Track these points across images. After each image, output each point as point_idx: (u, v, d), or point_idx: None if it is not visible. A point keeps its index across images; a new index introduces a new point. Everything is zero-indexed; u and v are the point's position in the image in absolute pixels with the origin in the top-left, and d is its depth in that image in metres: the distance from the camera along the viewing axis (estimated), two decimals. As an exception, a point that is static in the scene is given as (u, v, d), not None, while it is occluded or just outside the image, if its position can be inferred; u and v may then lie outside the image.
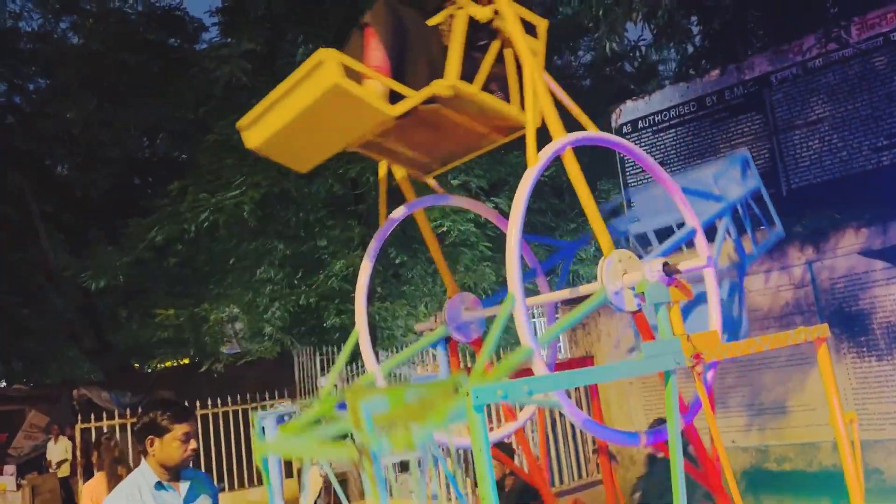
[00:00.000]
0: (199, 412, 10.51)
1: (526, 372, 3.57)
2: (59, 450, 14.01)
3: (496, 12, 3.12)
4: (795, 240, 6.65)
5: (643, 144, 7.73)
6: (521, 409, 4.22)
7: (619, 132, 7.95)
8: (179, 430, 3.08)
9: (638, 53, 12.53)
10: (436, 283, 11.17)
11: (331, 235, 10.88)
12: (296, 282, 11.07)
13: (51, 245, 14.25)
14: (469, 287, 10.94)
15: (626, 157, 7.96)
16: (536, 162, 2.88)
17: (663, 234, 4.40)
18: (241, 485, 11.04)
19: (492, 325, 2.83)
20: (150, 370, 17.58)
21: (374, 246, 3.63)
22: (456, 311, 3.78)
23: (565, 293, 3.51)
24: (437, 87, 2.85)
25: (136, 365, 17.67)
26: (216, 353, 12.34)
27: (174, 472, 3.13)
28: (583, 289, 3.29)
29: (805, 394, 6.38)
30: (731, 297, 3.56)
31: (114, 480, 6.13)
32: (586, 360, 4.80)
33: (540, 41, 3.26)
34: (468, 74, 2.96)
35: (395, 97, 2.83)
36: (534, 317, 12.09)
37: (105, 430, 9.30)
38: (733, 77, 7.33)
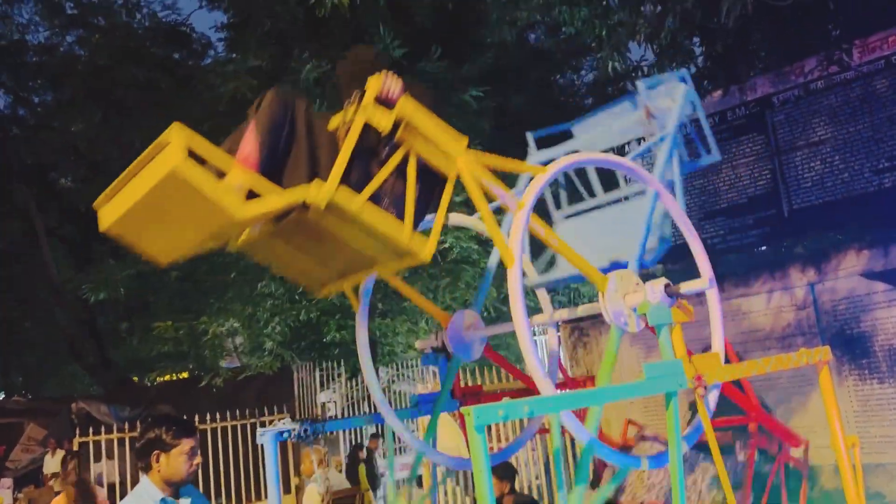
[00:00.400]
0: (198, 427, 10.43)
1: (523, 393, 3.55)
2: (55, 463, 13.93)
3: (401, 120, 2.70)
4: (797, 261, 6.66)
5: (646, 165, 7.75)
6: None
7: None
8: (186, 444, 3.07)
9: (640, 73, 12.58)
10: (437, 299, 11.16)
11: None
12: (297, 296, 11.06)
13: (53, 258, 14.27)
14: (470, 305, 10.92)
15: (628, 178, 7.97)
16: (512, 259, 2.64)
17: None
18: (240, 500, 10.99)
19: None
20: (149, 384, 17.54)
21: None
22: (457, 328, 3.78)
23: (564, 313, 3.52)
24: (308, 193, 2.45)
25: (136, 379, 17.64)
26: (216, 368, 12.31)
27: (176, 488, 3.12)
28: (581, 309, 3.29)
29: (806, 416, 6.35)
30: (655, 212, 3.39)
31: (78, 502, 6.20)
32: (588, 381, 4.79)
33: (461, 146, 2.81)
34: (362, 186, 2.62)
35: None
36: (535, 334, 12.07)
37: (70, 456, 9.28)
38: (735, 98, 7.36)
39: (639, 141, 4.21)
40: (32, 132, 14.66)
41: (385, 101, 2.76)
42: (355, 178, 2.62)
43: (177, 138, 2.29)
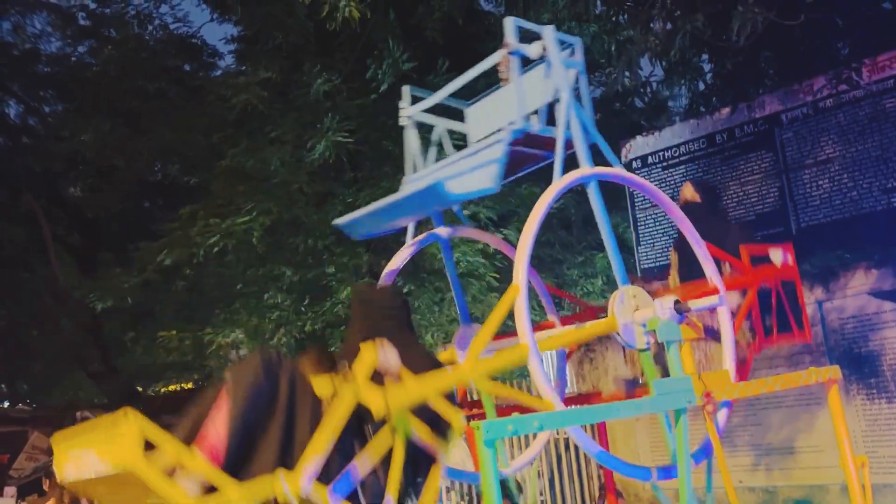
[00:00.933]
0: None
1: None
2: (59, 472, 13.92)
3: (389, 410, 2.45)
4: (805, 279, 6.63)
5: (653, 180, 7.76)
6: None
7: (628, 167, 7.99)
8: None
9: (648, 89, 12.62)
10: (443, 312, 11.14)
11: (339, 263, 10.90)
12: (303, 308, 11.06)
13: (60, 267, 14.30)
14: (478, 318, 10.91)
15: (635, 192, 7.99)
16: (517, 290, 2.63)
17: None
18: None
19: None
20: (153, 394, 17.53)
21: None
22: (465, 341, 3.79)
23: (572, 328, 3.51)
24: (274, 490, 2.27)
25: (140, 389, 17.62)
26: (220, 379, 12.27)
27: None
28: (590, 324, 3.29)
29: (813, 435, 6.31)
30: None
31: None
32: (594, 396, 4.78)
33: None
34: (347, 456, 2.41)
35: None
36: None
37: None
38: (744, 115, 7.37)
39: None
40: (42, 141, 14.72)
41: (380, 374, 2.58)
42: (334, 460, 2.41)
43: (130, 429, 2.18)
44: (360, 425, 2.55)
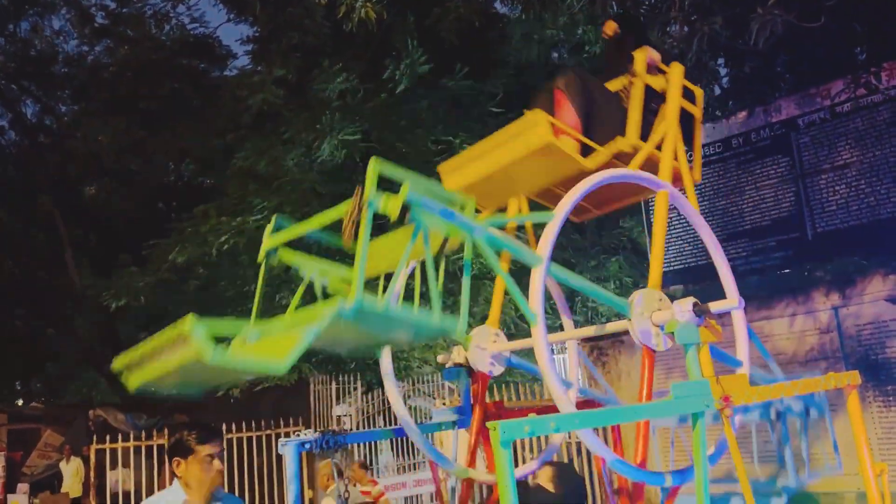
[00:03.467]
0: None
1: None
2: (70, 470, 14.02)
3: (667, 80, 3.63)
4: (821, 285, 6.58)
5: (668, 184, 7.72)
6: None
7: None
8: (203, 451, 3.06)
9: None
10: (454, 314, 11.13)
11: (349, 263, 10.92)
12: (315, 309, 11.09)
13: (77, 268, 14.41)
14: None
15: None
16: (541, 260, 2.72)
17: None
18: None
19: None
20: (167, 393, 17.57)
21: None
22: (480, 343, 3.77)
23: (591, 330, 3.50)
24: (623, 144, 3.34)
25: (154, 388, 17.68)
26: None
27: (207, 495, 3.09)
28: (610, 326, 3.27)
29: (828, 442, 6.25)
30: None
31: None
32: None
33: (698, 106, 3.82)
34: (645, 132, 3.46)
35: (583, 151, 3.31)
36: (556, 353, 12.00)
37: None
38: (760, 119, 7.32)
39: None
40: (58, 141, 14.85)
41: (649, 69, 3.63)
42: (645, 123, 3.48)
43: (543, 120, 3.20)
44: (648, 105, 3.62)
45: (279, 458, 3.38)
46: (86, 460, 12.61)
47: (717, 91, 8.47)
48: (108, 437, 10.35)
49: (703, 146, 7.68)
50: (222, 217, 9.66)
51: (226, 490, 3.25)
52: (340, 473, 6.66)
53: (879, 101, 6.51)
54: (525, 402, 8.51)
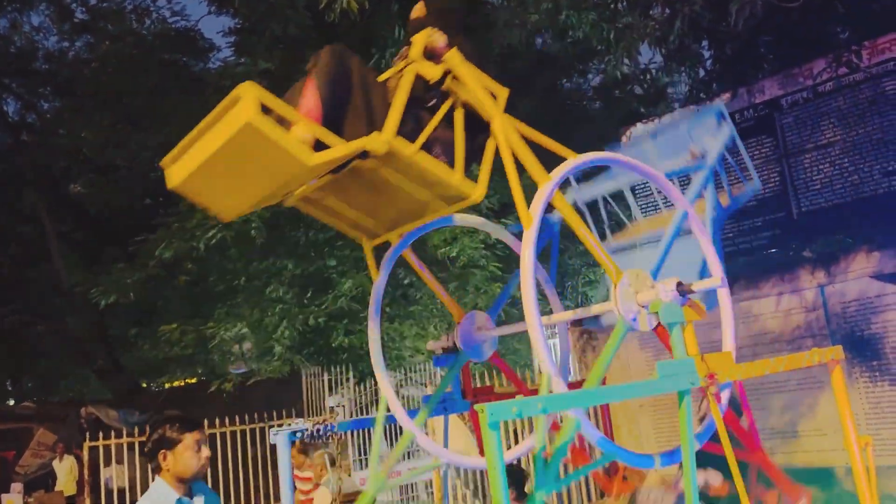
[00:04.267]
0: (207, 431, 10.49)
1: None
2: (64, 468, 14.00)
3: (448, 73, 2.97)
4: (807, 263, 6.64)
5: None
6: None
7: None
8: (190, 438, 3.09)
9: (648, 76, 12.60)
10: (443, 304, 11.16)
11: (340, 255, 10.92)
12: (305, 301, 11.09)
13: (64, 264, 14.34)
14: (481, 308, 10.93)
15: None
16: (530, 220, 2.77)
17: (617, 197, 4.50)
18: (249, 503, 11.02)
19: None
20: (158, 389, 17.58)
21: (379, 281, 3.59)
22: (468, 330, 3.79)
23: (578, 312, 3.52)
24: (369, 142, 2.64)
25: (145, 384, 17.68)
26: (224, 373, 12.34)
27: (188, 485, 3.13)
28: (595, 308, 3.30)
29: (816, 418, 6.33)
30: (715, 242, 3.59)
31: None
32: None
33: (497, 107, 3.01)
34: (414, 135, 2.81)
35: (323, 148, 2.60)
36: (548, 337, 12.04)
37: None
38: (744, 100, 7.35)
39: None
40: (42, 138, 14.74)
41: (432, 56, 3.02)
42: (408, 128, 2.81)
43: (248, 93, 2.43)
44: (424, 102, 3.01)
45: (273, 449, 3.39)
46: (79, 458, 12.60)
47: (701, 73, 8.49)
48: (100, 434, 10.34)
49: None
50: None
51: (221, 483, 3.28)
52: (333, 463, 6.70)
53: (861, 80, 6.55)
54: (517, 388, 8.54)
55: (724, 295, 3.21)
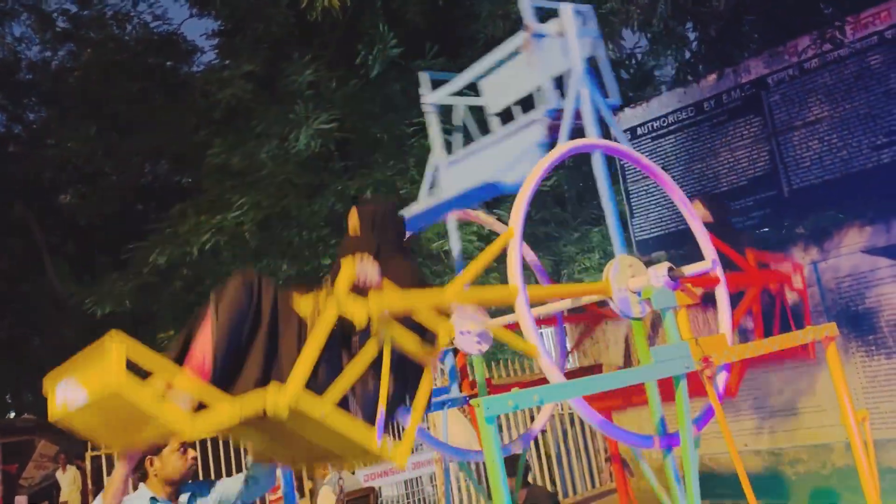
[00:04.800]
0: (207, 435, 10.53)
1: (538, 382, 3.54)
2: (67, 479, 13.99)
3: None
4: (799, 240, 6.65)
5: (643, 151, 7.75)
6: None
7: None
8: (172, 443, 3.12)
9: (634, 61, 12.58)
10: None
11: (334, 254, 10.90)
12: (302, 301, 11.08)
13: (57, 274, 14.29)
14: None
15: (626, 164, 7.99)
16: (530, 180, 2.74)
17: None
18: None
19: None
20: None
21: None
22: (462, 322, 3.78)
23: (569, 302, 3.52)
24: (267, 404, 2.18)
25: (145, 390, 17.58)
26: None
27: (176, 488, 3.15)
28: (586, 297, 3.29)
29: (815, 395, 6.35)
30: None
31: None
32: (594, 369, 4.80)
33: (435, 346, 2.60)
34: (326, 382, 2.39)
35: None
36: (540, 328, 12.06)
37: None
38: (730, 81, 7.34)
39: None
40: (29, 149, 14.67)
41: (360, 289, 2.53)
42: (323, 372, 2.41)
43: (115, 351, 2.15)
44: (347, 338, 2.59)
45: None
46: (81, 468, 12.59)
47: (687, 55, 8.48)
48: (102, 443, 10.33)
49: (676, 111, 7.71)
50: (201, 216, 9.59)
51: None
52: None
53: (846, 55, 6.54)
54: (513, 379, 8.56)
55: (717, 276, 3.21)
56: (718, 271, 3.15)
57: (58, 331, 15.15)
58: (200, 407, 2.28)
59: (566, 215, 12.58)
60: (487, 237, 11.17)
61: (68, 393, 2.32)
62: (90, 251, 15.28)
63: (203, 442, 10.01)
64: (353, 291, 2.47)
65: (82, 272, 14.30)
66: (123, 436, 2.51)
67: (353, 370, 2.41)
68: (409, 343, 2.52)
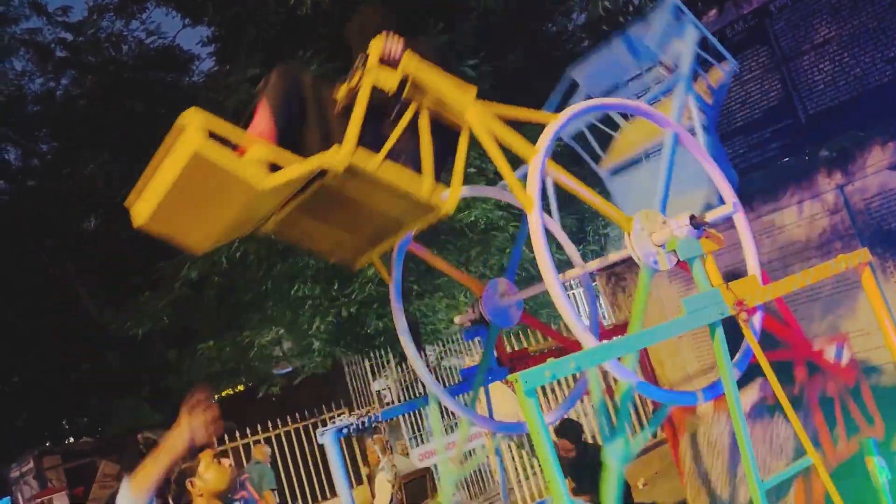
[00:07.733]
0: (261, 435, 10.74)
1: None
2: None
3: (407, 78, 2.72)
4: (822, 166, 6.52)
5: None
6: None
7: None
8: (204, 458, 3.16)
9: (631, 7, 12.36)
10: (469, 271, 11.16)
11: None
12: (333, 293, 11.17)
13: (92, 301, 14.54)
14: (505, 268, 10.94)
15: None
16: (531, 202, 2.65)
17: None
18: (315, 499, 11.23)
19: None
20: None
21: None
22: (491, 297, 3.79)
23: (595, 263, 3.50)
24: (327, 158, 2.44)
25: (194, 401, 17.87)
26: (269, 377, 12.49)
27: (228, 501, 3.20)
28: (612, 256, 3.28)
29: (858, 319, 6.26)
30: (715, 155, 3.46)
31: None
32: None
33: (469, 97, 2.81)
34: (377, 148, 2.61)
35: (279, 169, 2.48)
36: (570, 288, 12.03)
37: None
38: (731, 13, 7.19)
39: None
40: (46, 181, 14.86)
41: (389, 62, 2.78)
42: (370, 140, 2.63)
43: (193, 121, 2.34)
44: (385, 109, 2.83)
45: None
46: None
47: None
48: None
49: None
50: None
51: (283, 484, 3.34)
52: (387, 449, 6.78)
53: (848, -30, 6.37)
54: (552, 343, 8.55)
55: (739, 219, 3.17)
56: (741, 213, 3.11)
57: (101, 354, 15.45)
58: (273, 170, 2.46)
59: (584, 172, 12.47)
60: (509, 206, 11.14)
61: (155, 182, 2.49)
62: (120, 274, 15.51)
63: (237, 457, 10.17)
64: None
65: (115, 295, 14.54)
66: (206, 224, 2.65)
67: (396, 131, 2.70)
68: (441, 106, 2.77)
